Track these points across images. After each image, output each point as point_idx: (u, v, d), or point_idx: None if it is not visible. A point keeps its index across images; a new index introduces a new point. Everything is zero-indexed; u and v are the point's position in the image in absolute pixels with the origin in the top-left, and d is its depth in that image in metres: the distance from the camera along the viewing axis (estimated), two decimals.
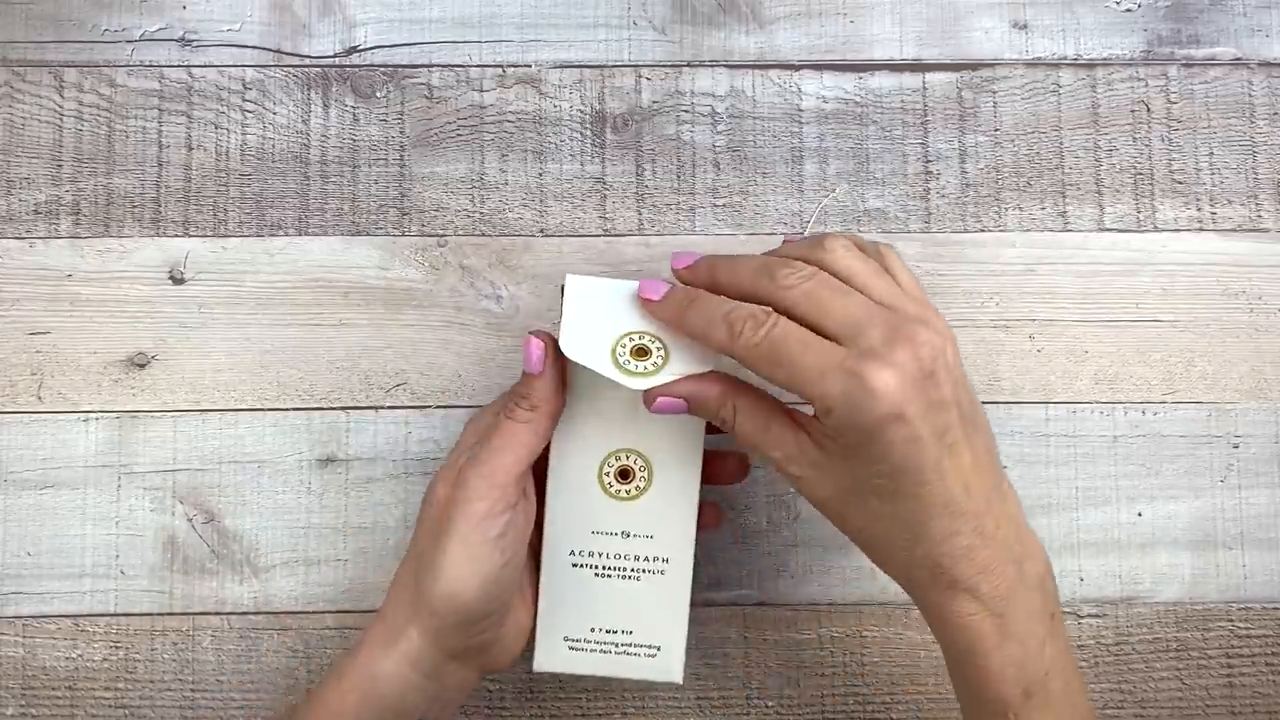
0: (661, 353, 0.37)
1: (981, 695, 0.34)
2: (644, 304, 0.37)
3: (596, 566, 0.39)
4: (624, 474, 0.39)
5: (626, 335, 0.37)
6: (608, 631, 0.39)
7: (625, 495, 0.39)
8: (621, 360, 0.36)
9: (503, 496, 0.35)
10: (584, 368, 0.36)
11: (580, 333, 0.37)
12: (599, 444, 0.39)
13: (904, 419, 0.31)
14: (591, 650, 0.39)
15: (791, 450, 0.34)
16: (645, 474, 0.38)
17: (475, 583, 0.35)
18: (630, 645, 0.39)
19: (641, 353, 0.37)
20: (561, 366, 0.37)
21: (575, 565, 0.39)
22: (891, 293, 0.34)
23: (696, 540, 0.39)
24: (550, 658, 0.39)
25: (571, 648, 0.39)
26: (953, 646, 0.34)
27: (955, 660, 0.34)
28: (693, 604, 0.39)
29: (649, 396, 0.36)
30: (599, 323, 0.37)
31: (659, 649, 0.39)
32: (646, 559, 0.39)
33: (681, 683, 0.40)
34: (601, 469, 0.38)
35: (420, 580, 0.36)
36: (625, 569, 0.39)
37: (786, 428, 0.35)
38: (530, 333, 0.37)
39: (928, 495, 0.32)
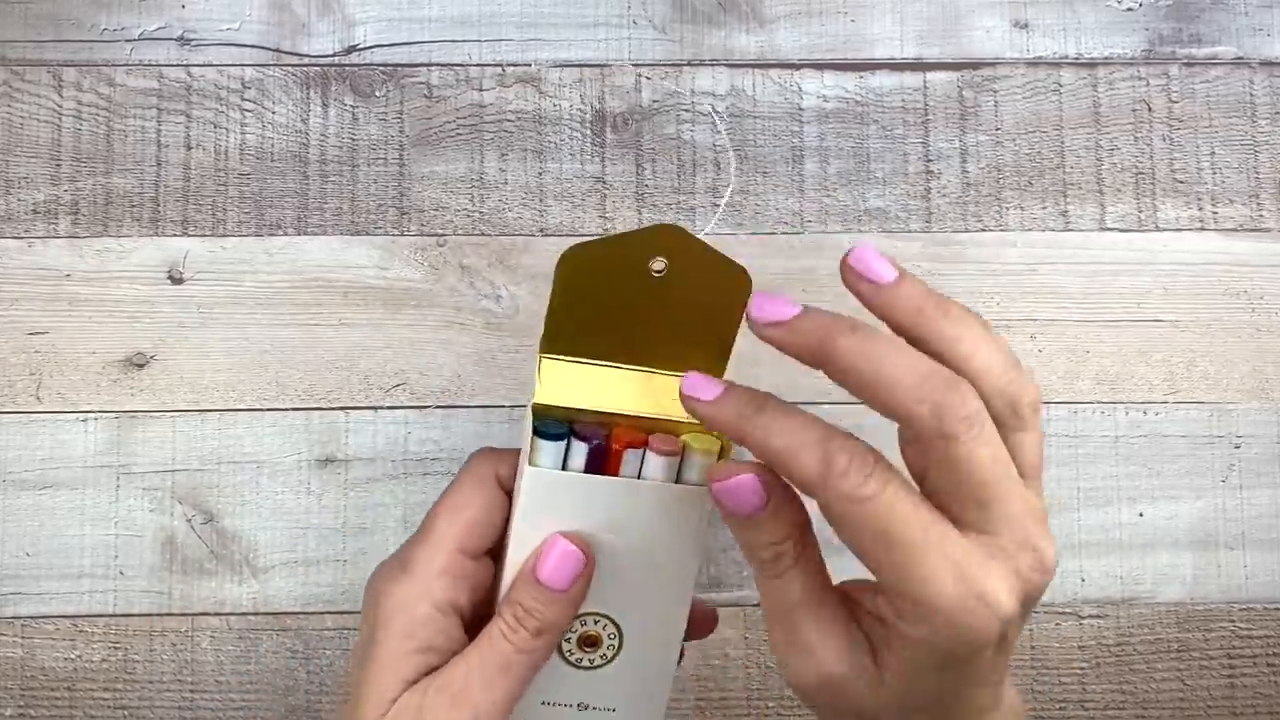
0: (615, 639, 0.31)
1: None
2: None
3: None
4: (589, 641, 0.32)
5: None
6: None
7: (588, 665, 0.33)
8: None
9: None
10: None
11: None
12: None
13: (1005, 642, 0.24)
14: None
15: (839, 641, 0.27)
16: (615, 642, 0.32)
17: None
18: None
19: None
20: (589, 576, 0.30)
21: None
22: (1037, 449, 0.26)
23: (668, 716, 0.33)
24: None
25: None
26: None
27: None
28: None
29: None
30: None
31: None
32: None
33: None
34: (562, 633, 0.32)
35: None
36: None
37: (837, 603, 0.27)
38: (560, 532, 0.29)
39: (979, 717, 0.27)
